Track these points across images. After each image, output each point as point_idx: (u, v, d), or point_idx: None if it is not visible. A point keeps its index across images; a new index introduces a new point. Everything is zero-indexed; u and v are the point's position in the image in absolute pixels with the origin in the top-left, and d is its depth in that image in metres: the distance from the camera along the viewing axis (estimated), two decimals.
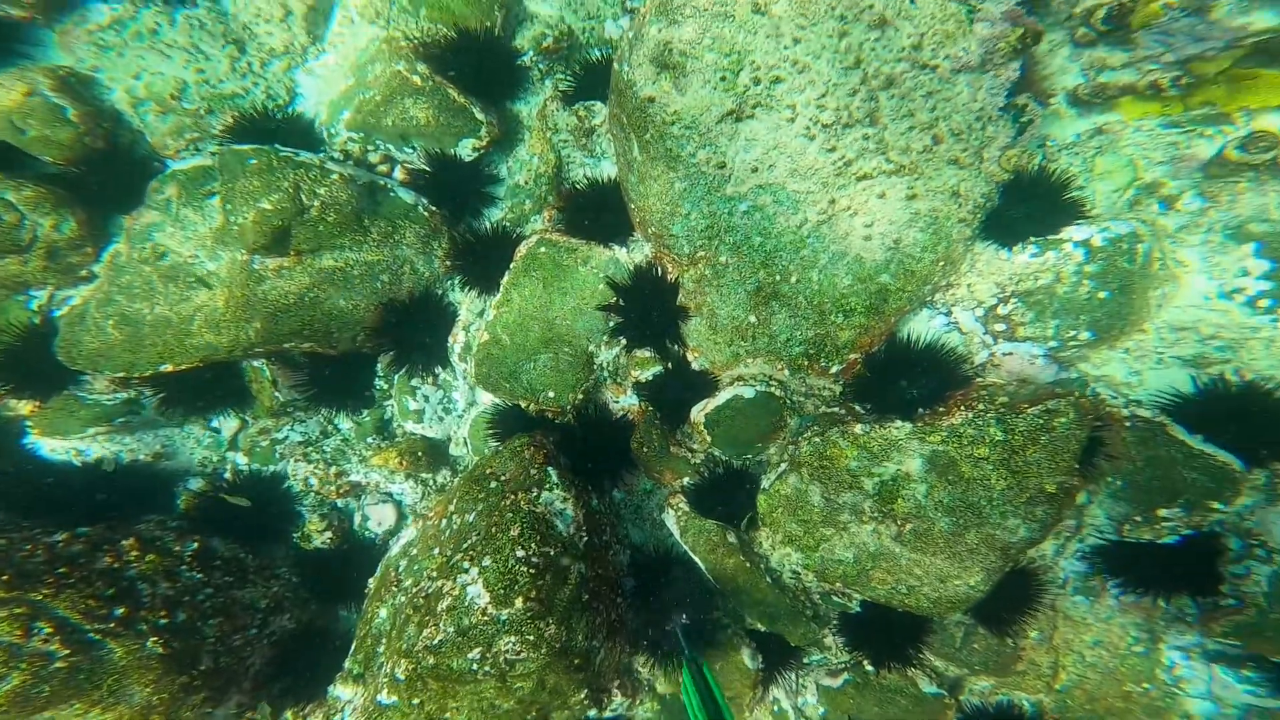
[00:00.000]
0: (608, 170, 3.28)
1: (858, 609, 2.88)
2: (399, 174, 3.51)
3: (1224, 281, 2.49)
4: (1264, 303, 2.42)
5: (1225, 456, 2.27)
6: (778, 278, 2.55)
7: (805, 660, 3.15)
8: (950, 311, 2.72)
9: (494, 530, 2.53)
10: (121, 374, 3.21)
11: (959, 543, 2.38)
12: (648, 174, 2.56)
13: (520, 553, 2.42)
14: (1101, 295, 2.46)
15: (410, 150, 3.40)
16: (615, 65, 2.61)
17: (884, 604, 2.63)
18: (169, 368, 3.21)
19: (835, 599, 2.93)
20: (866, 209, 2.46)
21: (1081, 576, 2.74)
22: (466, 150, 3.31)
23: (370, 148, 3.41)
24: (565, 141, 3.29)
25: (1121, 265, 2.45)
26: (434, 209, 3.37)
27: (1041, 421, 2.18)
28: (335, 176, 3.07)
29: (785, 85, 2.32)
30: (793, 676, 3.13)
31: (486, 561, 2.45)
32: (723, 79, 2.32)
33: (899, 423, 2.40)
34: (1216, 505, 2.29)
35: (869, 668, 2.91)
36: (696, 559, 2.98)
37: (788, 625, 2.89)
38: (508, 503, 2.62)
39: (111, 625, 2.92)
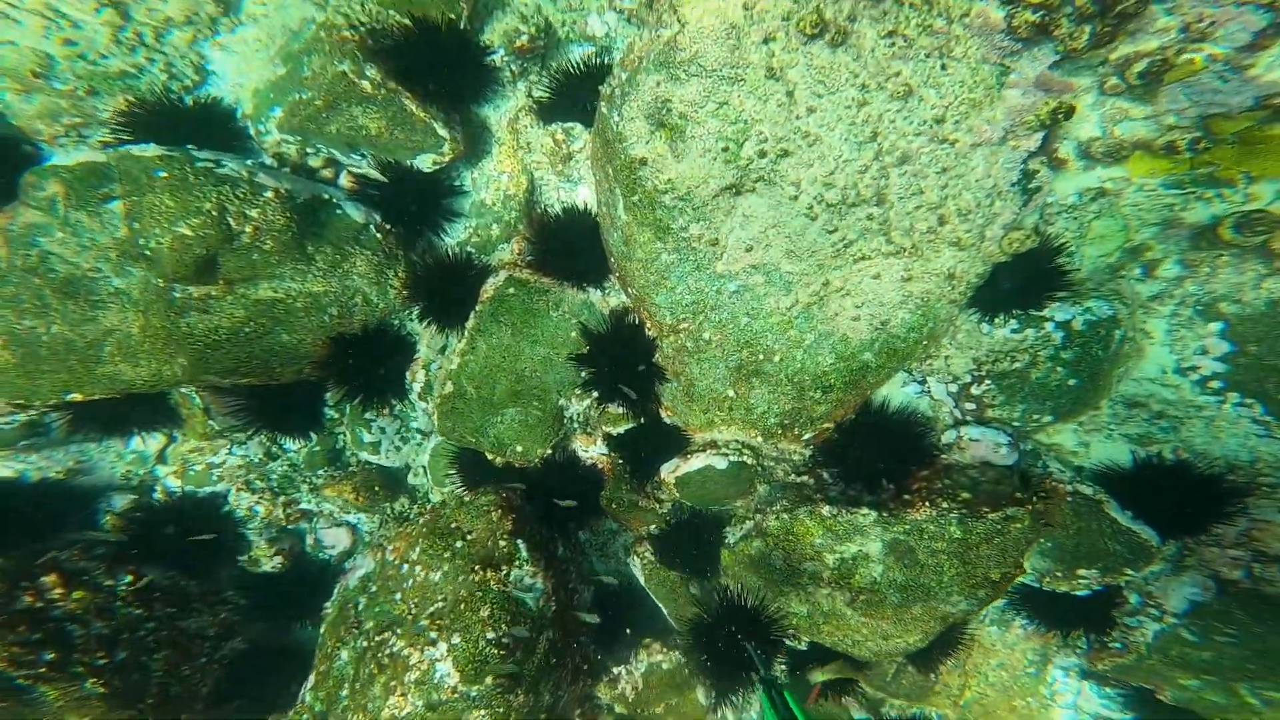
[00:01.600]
0: (585, 196, 2.92)
1: (804, 648, 3.03)
2: (345, 180, 3.00)
3: (1182, 357, 2.51)
4: (1214, 384, 2.47)
5: (1147, 534, 2.43)
6: (760, 357, 2.40)
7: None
8: (925, 380, 2.69)
9: (463, 607, 2.42)
10: (19, 401, 2.75)
11: (906, 613, 2.49)
12: (633, 237, 2.28)
13: (491, 634, 2.34)
14: (1071, 383, 2.47)
15: (359, 157, 2.89)
16: (602, 107, 2.24)
17: (829, 648, 2.78)
18: (78, 397, 2.77)
19: (786, 642, 3.07)
20: (859, 290, 2.31)
21: (999, 611, 2.98)
22: (426, 163, 2.84)
23: (310, 150, 2.87)
24: (539, 164, 2.88)
25: (1095, 353, 2.44)
26: (388, 228, 2.93)
27: (999, 526, 2.25)
28: (269, 194, 2.58)
29: (792, 160, 2.06)
30: (739, 699, 3.34)
31: (456, 640, 2.36)
32: (725, 149, 2.03)
33: (865, 510, 2.41)
34: (1129, 571, 2.48)
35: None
36: (660, 604, 3.02)
37: None
38: (477, 579, 2.51)
39: (42, 670, 2.69)
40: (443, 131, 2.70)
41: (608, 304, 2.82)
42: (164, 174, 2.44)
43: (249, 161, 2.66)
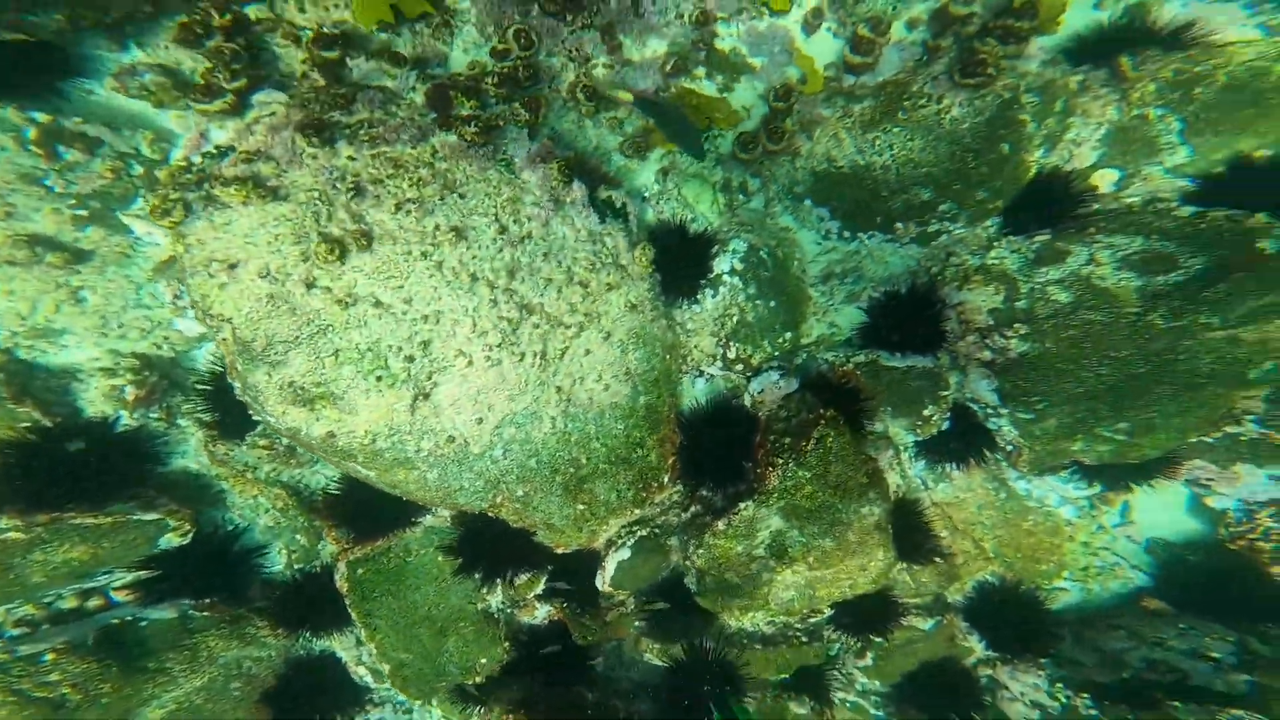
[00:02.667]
0: None
1: (829, 611, 3.17)
2: (121, 596, 2.72)
3: (817, 229, 2.89)
4: (846, 233, 2.88)
5: (920, 361, 2.74)
6: (573, 470, 2.53)
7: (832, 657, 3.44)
8: (702, 371, 2.91)
9: None
10: None
11: (848, 544, 2.63)
12: (396, 480, 2.37)
13: None
14: (772, 304, 2.75)
15: (105, 574, 2.66)
16: (255, 417, 2.29)
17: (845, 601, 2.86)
18: None
19: (811, 619, 3.20)
20: (587, 369, 2.49)
21: (929, 471, 3.13)
22: (175, 540, 2.66)
23: (49, 600, 2.65)
24: (275, 471, 2.89)
25: (763, 274, 2.73)
26: (208, 601, 2.84)
27: (822, 449, 2.47)
28: (51, 656, 2.47)
29: (438, 341, 2.21)
30: (837, 675, 3.45)
31: None
32: (379, 378, 2.15)
33: (743, 504, 2.58)
34: (944, 394, 2.76)
35: (878, 639, 3.23)
36: None
37: (798, 659, 3.21)
38: None
39: None
40: (150, 515, 2.60)
41: (444, 516, 2.88)
42: None
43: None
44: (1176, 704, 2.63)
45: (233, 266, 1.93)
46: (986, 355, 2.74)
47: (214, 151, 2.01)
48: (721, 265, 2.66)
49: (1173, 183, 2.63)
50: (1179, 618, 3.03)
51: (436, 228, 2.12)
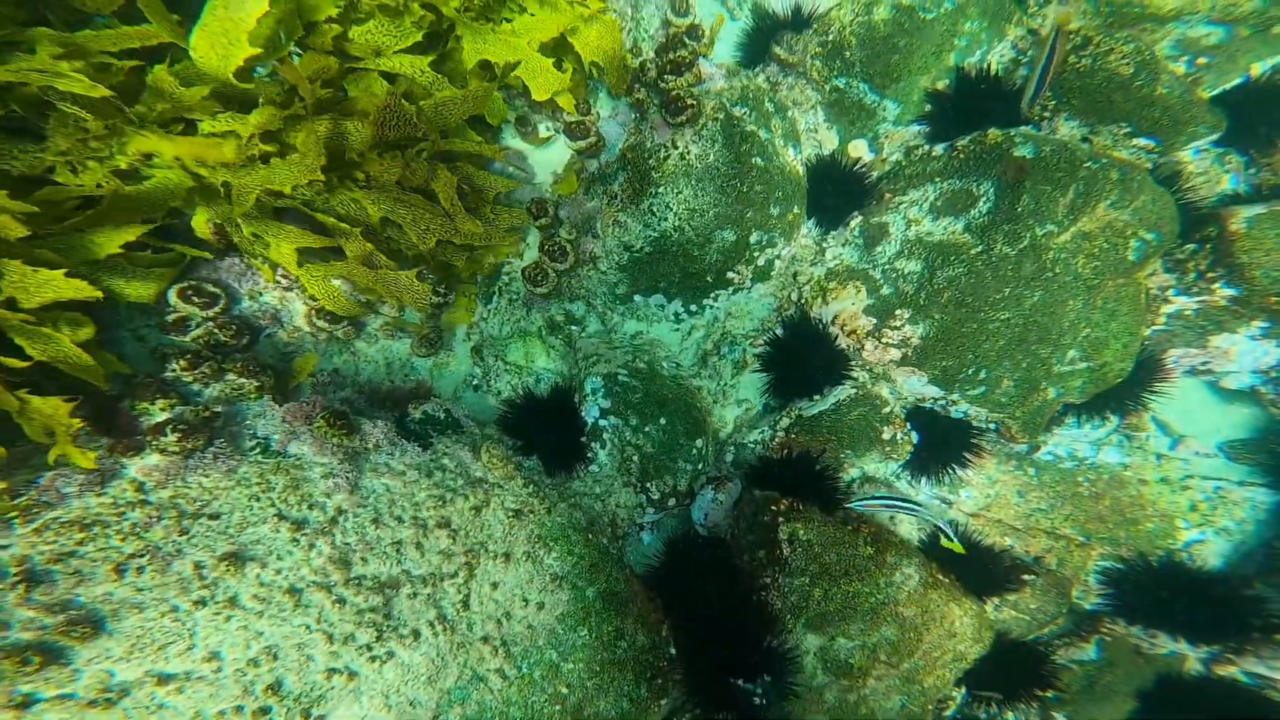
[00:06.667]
0: None
1: (961, 692, 2.55)
2: None
3: (664, 318, 2.80)
4: (692, 307, 2.74)
5: (843, 392, 2.60)
6: (559, 707, 2.01)
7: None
8: (640, 525, 2.58)
9: None
10: None
11: (910, 621, 2.21)
12: None
13: None
14: (661, 421, 2.47)
15: None
16: None
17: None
18: None
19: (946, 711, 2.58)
20: (504, 602, 2.05)
21: (938, 488, 2.73)
22: None
23: None
24: None
25: (634, 399, 2.49)
26: None
27: (799, 546, 2.19)
28: None
29: (292, 675, 1.74)
30: None
31: None
32: None
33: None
34: (886, 410, 2.61)
35: (1046, 694, 2.58)
36: None
37: None
38: None
39: None
40: None
41: None
42: None
43: None
44: None
45: None
46: (895, 353, 2.57)
47: None
48: (590, 414, 2.43)
49: (908, 130, 2.83)
50: None
51: (197, 567, 1.72)
